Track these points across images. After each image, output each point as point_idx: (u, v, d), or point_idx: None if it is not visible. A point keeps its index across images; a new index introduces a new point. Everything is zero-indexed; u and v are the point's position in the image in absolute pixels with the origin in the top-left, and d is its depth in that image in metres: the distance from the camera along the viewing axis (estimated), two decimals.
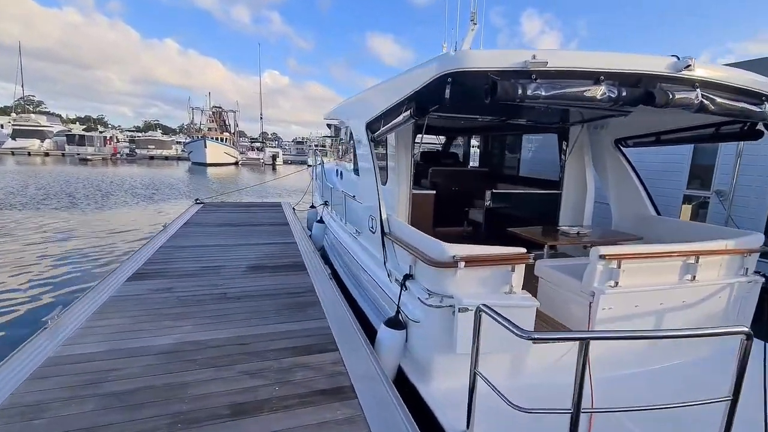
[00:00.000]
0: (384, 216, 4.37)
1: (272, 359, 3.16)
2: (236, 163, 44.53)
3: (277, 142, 76.07)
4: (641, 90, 2.87)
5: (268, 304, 4.24)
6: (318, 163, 10.56)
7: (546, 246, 4.53)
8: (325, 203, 7.99)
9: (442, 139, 9.97)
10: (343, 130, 7.55)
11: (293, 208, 10.58)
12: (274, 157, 46.41)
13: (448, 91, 2.85)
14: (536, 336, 2.01)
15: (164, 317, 3.80)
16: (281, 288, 4.74)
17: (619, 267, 3.37)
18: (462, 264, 3.03)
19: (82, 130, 50.30)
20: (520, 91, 2.59)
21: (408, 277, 3.57)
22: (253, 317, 3.90)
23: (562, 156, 6.31)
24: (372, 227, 4.67)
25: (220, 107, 52.64)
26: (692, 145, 7.89)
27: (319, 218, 7.94)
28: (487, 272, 3.19)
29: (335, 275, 5.59)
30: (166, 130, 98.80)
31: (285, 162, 50.47)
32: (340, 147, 9.76)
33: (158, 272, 5.09)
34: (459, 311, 2.98)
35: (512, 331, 2.00)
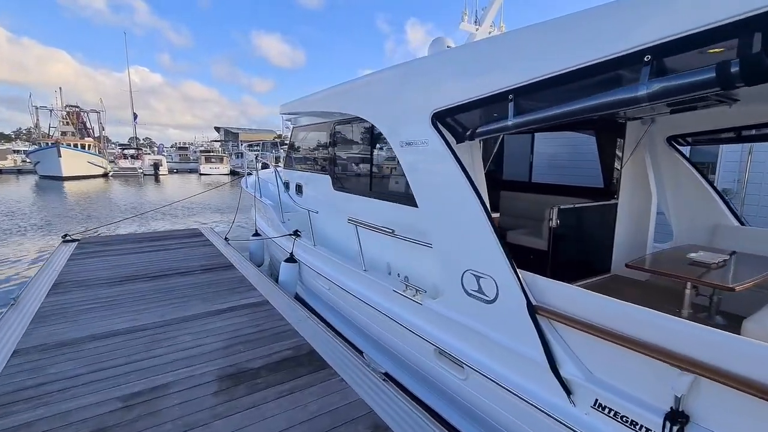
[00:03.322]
0: (518, 275, 2.41)
1: None
2: (105, 175, 36.34)
3: (157, 149, 65.11)
4: None
5: None
6: (255, 171, 7.88)
7: (689, 288, 3.03)
8: (296, 233, 5.55)
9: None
10: (327, 131, 5.25)
11: (225, 238, 7.68)
12: (157, 166, 39.20)
13: None
14: None
15: None
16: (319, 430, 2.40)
17: None
18: None
19: None
20: None
21: (679, 418, 1.70)
22: None
23: (617, 158, 5.11)
24: (480, 291, 2.65)
25: (78, 106, 42.43)
26: None
27: (288, 255, 5.46)
28: None
29: None
30: None
31: (170, 171, 43.28)
32: (287, 152, 7.31)
33: None
34: None
35: None
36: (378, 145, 4.34)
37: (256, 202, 7.18)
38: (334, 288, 4.48)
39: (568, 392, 2.13)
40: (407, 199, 3.74)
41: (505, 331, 2.48)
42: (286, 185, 6.89)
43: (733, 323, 2.34)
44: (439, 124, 2.90)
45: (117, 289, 4.82)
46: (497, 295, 2.51)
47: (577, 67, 1.94)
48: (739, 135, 4.14)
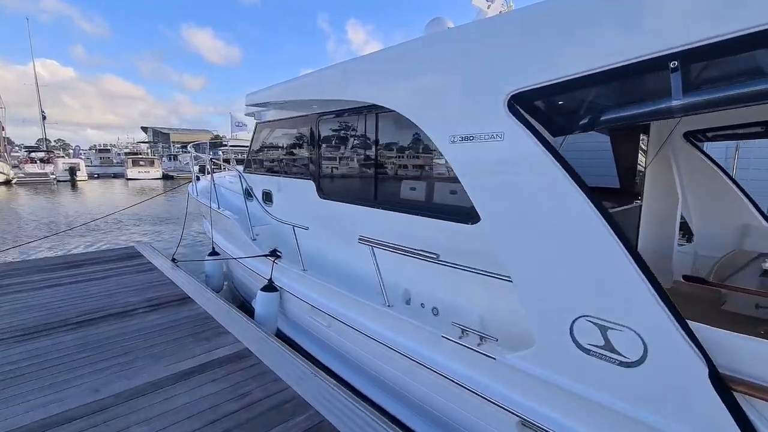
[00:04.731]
0: (688, 327, 1.65)
1: None
2: (8, 182, 31.11)
3: (73, 151, 57.28)
4: None
5: None
6: (208, 176, 6.57)
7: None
8: (275, 253, 4.44)
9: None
10: (309, 125, 4.24)
11: (173, 259, 6.24)
12: (74, 171, 34.42)
13: None
14: None
15: None
16: None
17: None
18: None
19: None
20: None
21: None
22: None
23: (641, 156, 4.69)
24: (609, 348, 1.84)
25: None
26: None
27: (266, 282, 4.32)
28: None
29: None
30: None
31: (90, 176, 38.35)
32: (248, 153, 6.12)
33: None
34: None
35: None
36: (396, 141, 3.42)
37: (212, 213, 5.87)
38: (339, 326, 3.47)
39: None
40: (453, 213, 2.87)
41: (662, 408, 1.69)
42: (248, 192, 5.72)
43: None
44: (522, 110, 2.06)
45: (21, 348, 3.38)
46: (645, 355, 1.71)
47: None
48: (766, 129, 3.80)
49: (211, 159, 6.25)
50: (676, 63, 1.54)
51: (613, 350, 1.81)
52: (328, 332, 3.64)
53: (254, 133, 5.95)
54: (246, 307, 5.08)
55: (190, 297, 4.65)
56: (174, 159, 45.09)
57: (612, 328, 1.80)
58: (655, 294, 1.67)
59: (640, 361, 1.73)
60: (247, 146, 6.78)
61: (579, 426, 1.97)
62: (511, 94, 2.08)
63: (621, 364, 1.79)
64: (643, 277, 1.70)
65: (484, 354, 2.29)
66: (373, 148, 3.64)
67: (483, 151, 2.24)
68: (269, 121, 5.47)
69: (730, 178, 4.34)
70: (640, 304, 1.71)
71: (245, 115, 6.11)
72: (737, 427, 1.49)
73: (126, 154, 46.19)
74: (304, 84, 3.90)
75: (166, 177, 38.33)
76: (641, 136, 4.58)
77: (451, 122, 2.40)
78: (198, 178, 7.67)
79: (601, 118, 1.81)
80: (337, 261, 4.12)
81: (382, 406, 3.00)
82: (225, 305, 4.42)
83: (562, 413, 2.03)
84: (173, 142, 62.47)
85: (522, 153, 2.06)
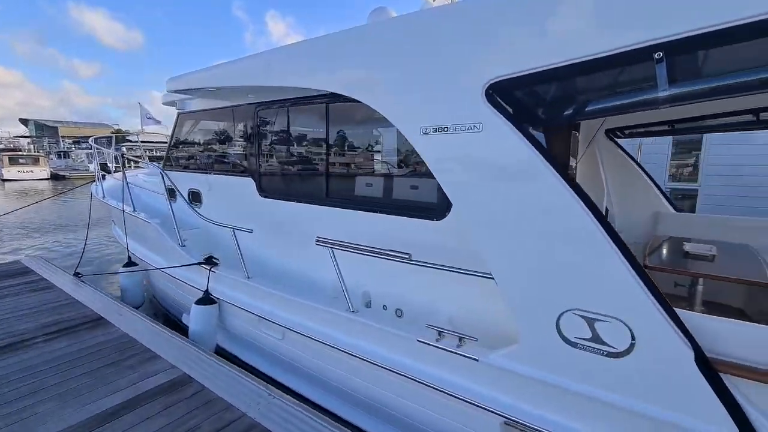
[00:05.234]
0: (675, 314, 1.70)
1: None
2: None
3: None
4: None
5: None
6: (124, 174, 5.70)
7: (701, 283, 2.84)
8: (211, 260, 3.93)
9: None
10: (246, 117, 3.81)
11: (76, 273, 5.26)
12: None
13: None
14: None
15: None
16: None
17: None
18: None
19: None
20: None
21: None
22: None
23: (572, 152, 5.05)
24: (596, 340, 1.85)
25: None
26: None
27: (202, 294, 3.80)
28: None
29: None
30: None
31: None
32: (169, 147, 5.41)
33: None
34: None
35: None
36: (354, 133, 3.18)
37: (125, 217, 5.05)
38: (295, 338, 3.14)
39: None
40: (418, 209, 2.73)
41: (651, 395, 1.73)
42: (171, 192, 5.04)
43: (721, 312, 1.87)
44: (501, 100, 1.98)
45: None
46: (632, 344, 1.73)
47: None
48: (672, 128, 4.30)
49: (123, 155, 5.38)
50: (661, 54, 1.55)
51: (600, 341, 1.82)
52: (281, 345, 3.29)
53: (176, 125, 5.24)
54: (175, 324, 4.46)
55: (103, 317, 3.93)
56: (65, 156, 39.25)
57: (599, 320, 1.80)
58: (642, 283, 1.69)
59: (628, 351, 1.75)
60: (159, 141, 6.00)
61: (565, 420, 1.96)
62: (490, 83, 1.99)
63: (609, 354, 1.80)
64: (629, 266, 1.71)
65: (467, 356, 2.19)
66: (324, 142, 3.36)
67: (459, 142, 2.13)
68: (195, 111, 4.85)
69: (644, 170, 4.82)
70: (627, 293, 1.72)
71: (164, 104, 5.35)
72: (722, 404, 1.56)
73: (1, 150, 39.03)
74: (245, 68, 3.46)
75: (55, 177, 33.16)
76: (573, 134, 4.91)
77: (424, 112, 2.25)
78: (104, 177, 6.61)
79: (586, 109, 1.80)
80: (284, 265, 3.77)
81: (353, 422, 2.77)
82: (150, 324, 3.80)
83: (549, 409, 2.00)
84: (63, 137, 54.63)
85: (501, 144, 1.98)
